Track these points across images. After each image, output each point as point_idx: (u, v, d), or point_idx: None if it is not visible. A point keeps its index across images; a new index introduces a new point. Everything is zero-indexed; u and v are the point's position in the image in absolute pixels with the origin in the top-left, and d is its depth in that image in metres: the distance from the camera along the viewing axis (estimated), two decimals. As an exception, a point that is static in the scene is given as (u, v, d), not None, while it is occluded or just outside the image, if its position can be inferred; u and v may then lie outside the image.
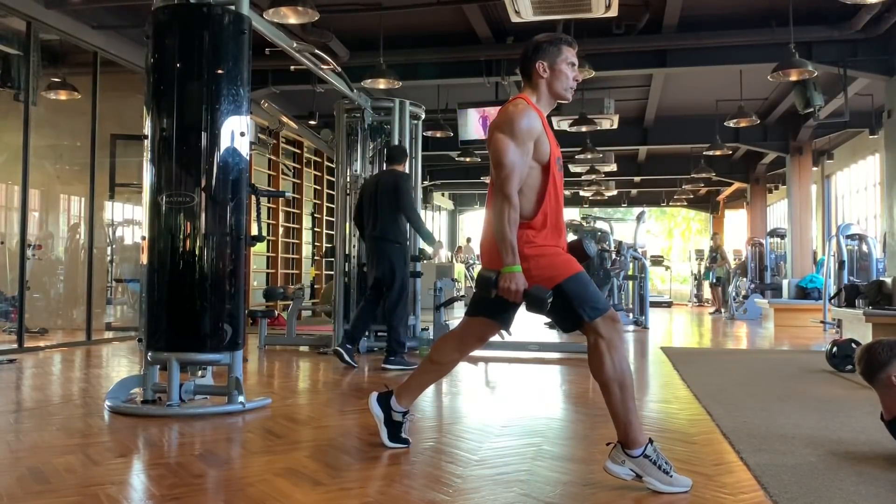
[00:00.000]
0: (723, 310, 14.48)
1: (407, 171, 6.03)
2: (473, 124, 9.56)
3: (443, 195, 20.61)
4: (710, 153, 11.64)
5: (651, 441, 2.46)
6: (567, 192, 19.87)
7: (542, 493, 2.39)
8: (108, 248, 9.17)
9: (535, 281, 2.47)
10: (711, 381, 4.92)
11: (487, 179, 2.79)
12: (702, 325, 11.76)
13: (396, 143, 6.71)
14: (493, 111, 9.39)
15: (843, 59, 8.12)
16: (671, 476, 2.41)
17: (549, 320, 2.68)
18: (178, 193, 3.74)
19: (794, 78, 7.24)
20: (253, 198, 4.07)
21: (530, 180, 2.53)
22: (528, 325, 10.62)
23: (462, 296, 13.29)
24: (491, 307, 2.69)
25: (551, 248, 2.54)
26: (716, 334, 9.94)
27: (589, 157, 12.12)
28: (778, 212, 17.57)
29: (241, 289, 3.91)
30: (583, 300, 2.47)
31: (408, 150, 6.39)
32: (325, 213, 13.34)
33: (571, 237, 12.68)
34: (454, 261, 18.13)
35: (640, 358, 6.76)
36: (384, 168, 6.23)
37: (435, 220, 21.09)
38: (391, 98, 6.92)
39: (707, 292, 16.49)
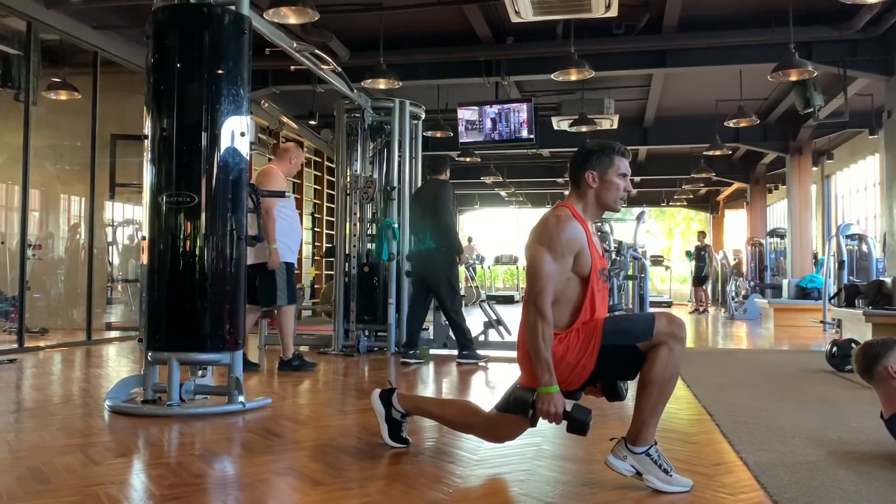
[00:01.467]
0: (722, 310, 14.49)
1: (448, 178, 6.33)
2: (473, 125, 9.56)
3: (443, 195, 20.57)
4: (710, 153, 11.64)
5: (656, 443, 2.45)
6: (567, 193, 19.85)
7: (542, 493, 2.39)
8: (109, 248, 9.16)
9: (576, 366, 2.40)
10: (711, 381, 4.92)
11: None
12: (701, 325, 11.76)
13: (397, 144, 6.72)
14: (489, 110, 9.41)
15: (843, 59, 8.12)
16: (671, 476, 2.40)
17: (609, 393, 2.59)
18: (178, 193, 3.73)
19: (794, 78, 7.24)
20: (253, 198, 4.07)
21: (568, 292, 2.45)
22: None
23: (462, 296, 13.31)
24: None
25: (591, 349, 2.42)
26: (716, 334, 9.95)
27: (589, 157, 12.10)
28: (778, 212, 17.57)
29: (241, 289, 3.91)
30: (627, 342, 2.38)
31: (447, 159, 6.63)
32: (325, 213, 13.33)
33: None
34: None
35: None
36: (427, 178, 6.49)
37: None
38: (391, 98, 6.92)
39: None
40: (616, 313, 2.54)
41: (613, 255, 10.82)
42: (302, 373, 5.32)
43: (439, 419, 2.97)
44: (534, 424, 2.53)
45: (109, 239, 9.10)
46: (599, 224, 13.05)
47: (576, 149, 2.68)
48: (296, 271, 12.23)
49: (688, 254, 15.97)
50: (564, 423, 2.43)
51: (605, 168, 2.53)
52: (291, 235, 5.48)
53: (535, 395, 2.40)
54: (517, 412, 2.48)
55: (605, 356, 2.40)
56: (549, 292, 2.39)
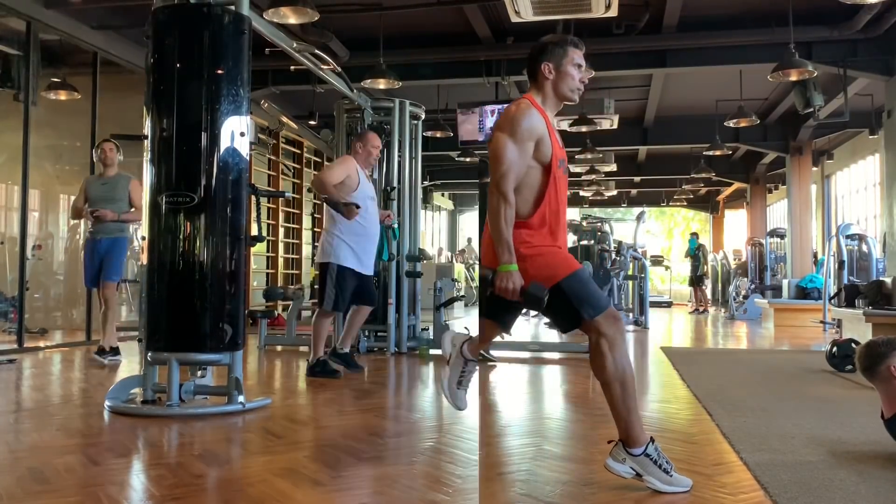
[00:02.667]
0: (722, 310, 14.49)
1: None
2: (473, 125, 9.55)
3: (443, 195, 20.62)
4: (710, 153, 11.64)
5: (652, 440, 2.46)
6: (567, 193, 19.85)
7: (542, 493, 2.39)
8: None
9: (542, 274, 2.45)
10: (711, 381, 4.92)
11: (489, 180, 2.77)
12: (701, 325, 11.76)
13: (397, 144, 6.72)
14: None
15: (843, 59, 8.12)
16: (671, 476, 2.41)
17: (549, 320, 2.66)
18: (178, 193, 3.73)
19: (794, 78, 7.24)
20: (253, 198, 4.07)
21: (530, 180, 2.51)
22: (527, 324, 10.63)
23: (462, 296, 13.31)
24: (493, 309, 2.69)
25: (548, 248, 2.51)
26: (715, 334, 9.95)
27: (589, 157, 12.12)
28: (778, 212, 17.56)
29: (241, 289, 3.90)
30: (582, 299, 2.44)
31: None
32: (325, 214, 13.32)
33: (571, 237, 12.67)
34: (454, 261, 18.14)
35: (640, 358, 6.76)
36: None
37: (435, 221, 21.11)
38: (391, 98, 6.92)
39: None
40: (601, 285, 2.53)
41: (613, 255, 10.81)
42: (323, 378, 4.95)
43: None
44: (500, 308, 2.59)
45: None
46: (600, 224, 13.08)
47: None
48: (296, 271, 12.13)
49: (691, 245, 15.90)
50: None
51: (560, 59, 2.58)
52: (360, 237, 5.02)
53: (494, 273, 2.45)
54: (530, 306, 2.52)
55: (553, 295, 2.43)
56: (511, 176, 2.45)
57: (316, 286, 13.07)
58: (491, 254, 2.54)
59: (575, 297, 2.45)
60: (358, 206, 4.82)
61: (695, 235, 16.62)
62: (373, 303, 5.30)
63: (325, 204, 5.07)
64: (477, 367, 2.79)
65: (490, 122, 9.30)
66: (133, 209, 5.75)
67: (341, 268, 4.93)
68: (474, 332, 2.97)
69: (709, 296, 15.80)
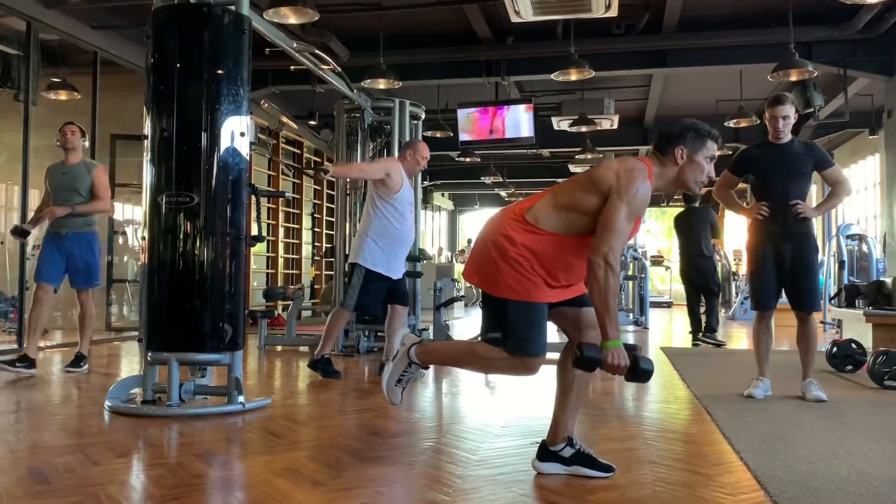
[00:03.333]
0: (723, 310, 14.46)
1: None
2: (472, 125, 9.57)
3: (443, 195, 20.61)
4: (710, 153, 11.63)
5: (427, 367, 2.69)
6: None
7: (542, 494, 2.39)
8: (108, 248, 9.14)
9: (502, 282, 2.42)
10: (711, 381, 4.92)
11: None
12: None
13: (397, 144, 6.71)
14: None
15: (843, 59, 8.12)
16: (396, 386, 2.77)
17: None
18: (178, 193, 3.73)
19: (794, 78, 7.24)
20: (253, 198, 4.07)
21: (589, 224, 2.40)
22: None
23: (462, 296, 13.30)
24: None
25: (535, 274, 2.42)
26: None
27: (589, 157, 12.11)
28: (778, 212, 17.51)
29: (241, 289, 3.91)
30: (515, 330, 2.42)
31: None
32: (325, 213, 13.34)
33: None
34: (454, 261, 18.13)
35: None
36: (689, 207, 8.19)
37: (435, 221, 21.10)
38: (391, 98, 6.92)
39: None
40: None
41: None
42: (323, 378, 4.98)
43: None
44: (591, 370, 2.44)
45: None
46: None
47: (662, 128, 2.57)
48: (296, 271, 12.12)
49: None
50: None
51: (697, 148, 2.50)
52: (393, 240, 4.95)
53: (602, 351, 2.34)
54: (585, 369, 2.42)
55: (499, 304, 2.44)
56: (619, 249, 2.36)
57: (316, 286, 13.10)
58: (474, 265, 2.53)
59: (512, 325, 2.43)
60: (326, 172, 4.95)
61: None
62: (406, 303, 5.27)
63: (365, 204, 5.09)
64: (421, 372, 2.78)
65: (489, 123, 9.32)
66: (96, 199, 5.17)
67: (369, 271, 4.90)
68: (428, 335, 2.97)
69: None
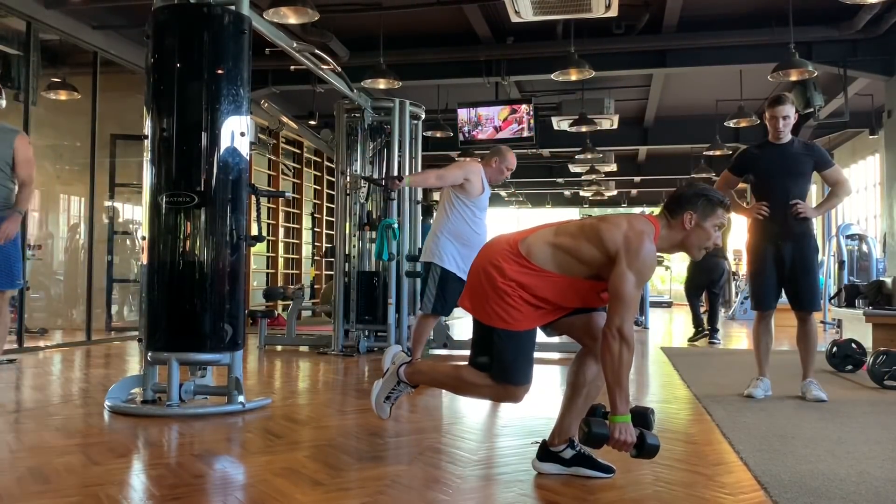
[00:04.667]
0: (723, 310, 14.46)
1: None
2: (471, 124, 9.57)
3: (443, 195, 20.57)
4: (710, 153, 11.63)
5: (416, 386, 2.78)
6: (567, 193, 19.87)
7: (542, 494, 2.39)
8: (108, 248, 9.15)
9: (490, 310, 2.44)
10: (711, 381, 4.92)
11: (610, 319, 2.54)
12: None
13: (397, 144, 6.72)
14: (487, 111, 9.42)
15: (843, 59, 8.12)
16: (385, 403, 2.80)
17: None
18: (178, 193, 3.73)
19: (794, 78, 7.24)
20: (253, 198, 4.07)
21: (583, 271, 2.43)
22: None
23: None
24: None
25: (524, 306, 2.43)
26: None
27: (589, 157, 12.12)
28: (778, 212, 17.50)
29: (241, 289, 3.90)
30: (500, 358, 2.45)
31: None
32: (325, 213, 13.33)
33: None
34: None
35: (640, 358, 6.75)
36: None
37: (433, 221, 21.04)
38: (391, 98, 6.92)
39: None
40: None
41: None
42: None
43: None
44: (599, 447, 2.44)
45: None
46: None
47: (679, 190, 2.59)
48: (296, 271, 12.12)
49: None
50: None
51: (707, 215, 2.50)
52: (468, 241, 4.82)
53: (608, 426, 2.33)
54: (592, 446, 2.41)
55: (486, 330, 2.47)
56: (632, 320, 2.37)
57: (316, 286, 13.11)
58: (467, 291, 2.57)
59: (498, 353, 2.45)
60: (400, 179, 4.82)
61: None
62: None
63: (440, 202, 5.03)
64: (408, 390, 2.81)
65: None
66: (23, 184, 4.30)
67: (445, 271, 4.82)
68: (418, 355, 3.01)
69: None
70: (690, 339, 8.05)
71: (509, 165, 4.96)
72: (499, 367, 2.46)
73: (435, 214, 5.09)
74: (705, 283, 8.09)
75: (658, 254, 2.50)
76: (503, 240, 2.56)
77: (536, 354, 6.83)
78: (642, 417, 2.39)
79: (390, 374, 2.77)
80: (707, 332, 8.06)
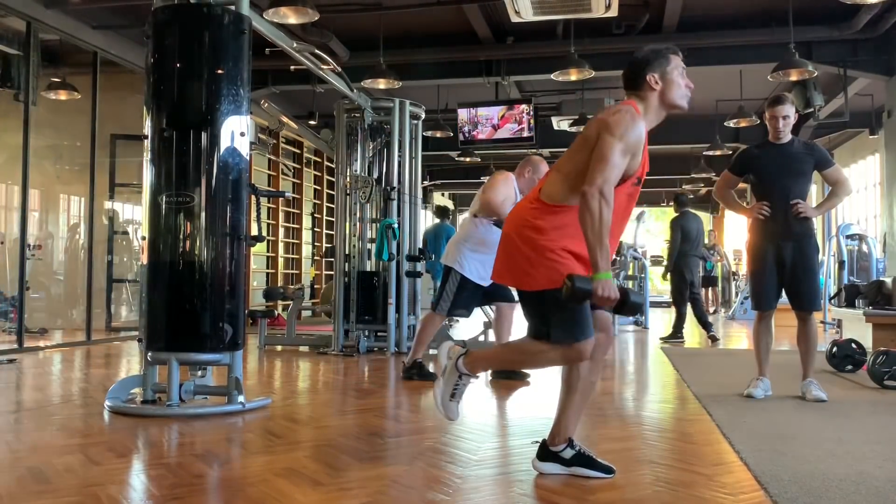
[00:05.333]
0: (722, 310, 14.47)
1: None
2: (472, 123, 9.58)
3: (443, 195, 20.60)
4: (710, 153, 11.64)
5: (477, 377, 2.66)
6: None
7: (542, 494, 2.39)
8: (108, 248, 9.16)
9: (537, 274, 2.42)
10: (711, 381, 4.92)
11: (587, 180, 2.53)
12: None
13: (397, 144, 6.71)
14: (487, 112, 9.43)
15: (843, 59, 8.12)
16: (451, 402, 2.67)
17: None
18: (178, 193, 3.73)
19: (794, 78, 7.24)
20: (253, 198, 4.07)
21: None
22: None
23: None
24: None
25: (564, 253, 2.42)
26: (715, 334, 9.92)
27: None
28: (778, 212, 17.47)
29: (241, 289, 3.90)
30: (562, 319, 2.41)
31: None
32: (325, 213, 13.33)
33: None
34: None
35: (640, 358, 6.76)
36: None
37: (435, 221, 21.07)
38: (391, 98, 6.92)
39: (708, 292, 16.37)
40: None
41: (614, 256, 10.79)
42: (419, 380, 4.85)
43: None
44: (580, 301, 2.40)
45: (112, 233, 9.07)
46: None
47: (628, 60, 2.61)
48: (296, 271, 12.11)
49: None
50: None
51: (665, 66, 2.52)
52: (489, 248, 4.69)
53: (591, 282, 2.32)
54: (576, 301, 2.38)
55: (536, 297, 2.43)
56: (613, 182, 2.37)
57: (316, 286, 13.09)
58: (504, 265, 2.52)
59: (553, 316, 2.43)
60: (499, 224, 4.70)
61: (711, 233, 16.56)
62: (512, 300, 5.12)
63: (469, 211, 5.03)
64: (471, 381, 2.74)
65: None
66: None
67: (465, 278, 4.86)
68: (477, 344, 2.88)
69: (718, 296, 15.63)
70: (664, 338, 8.16)
71: (541, 176, 4.96)
72: (560, 329, 2.42)
73: (461, 221, 5.11)
74: (691, 280, 8.25)
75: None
76: (524, 203, 2.58)
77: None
78: (622, 291, 2.38)
79: (450, 371, 2.68)
80: (712, 312, 8.27)
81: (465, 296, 4.89)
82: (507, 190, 4.85)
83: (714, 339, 7.99)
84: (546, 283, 2.42)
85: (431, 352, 6.46)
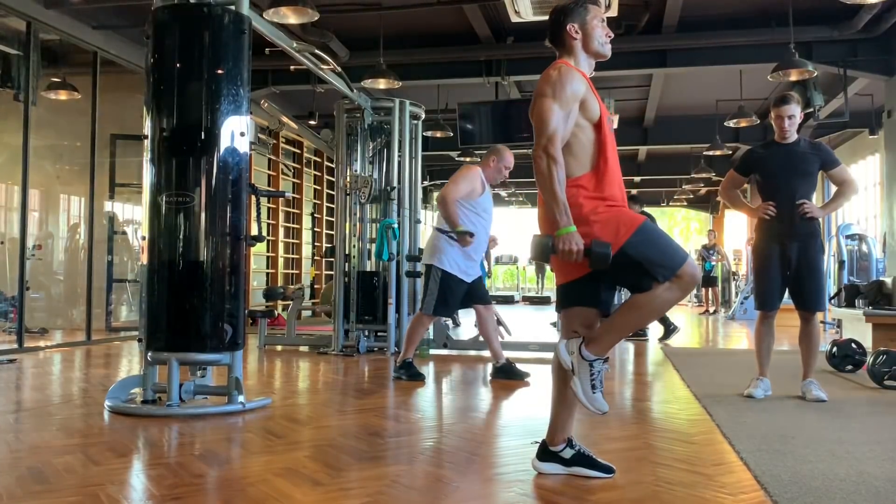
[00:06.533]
0: (722, 310, 14.47)
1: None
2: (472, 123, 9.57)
3: (443, 195, 20.60)
4: (710, 153, 11.64)
5: (607, 360, 2.48)
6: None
7: (542, 494, 2.39)
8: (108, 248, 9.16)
9: (607, 238, 2.39)
10: (711, 381, 4.92)
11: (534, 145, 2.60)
12: (701, 325, 11.76)
13: (397, 144, 6.71)
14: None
15: (843, 59, 8.12)
16: (595, 393, 2.45)
17: (555, 320, 2.63)
18: (178, 193, 3.73)
19: (794, 78, 7.24)
20: (253, 198, 4.07)
21: (583, 140, 2.49)
22: (528, 325, 10.63)
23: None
24: (581, 293, 2.57)
25: (609, 207, 2.45)
26: (716, 334, 9.94)
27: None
28: (778, 212, 17.45)
29: (241, 289, 3.91)
30: (653, 260, 2.38)
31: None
32: (325, 213, 13.34)
33: None
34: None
35: (640, 358, 6.75)
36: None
37: (435, 221, 21.08)
38: (391, 98, 6.92)
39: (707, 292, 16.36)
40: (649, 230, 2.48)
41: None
42: (407, 381, 4.86)
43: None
44: (544, 260, 2.46)
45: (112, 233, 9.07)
46: None
47: None
48: (296, 271, 12.10)
49: (696, 252, 15.81)
50: None
51: (584, 17, 2.58)
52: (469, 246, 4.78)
53: (553, 238, 2.37)
54: (539, 259, 2.45)
55: (619, 257, 2.37)
56: (558, 138, 2.41)
57: (316, 286, 13.09)
58: (550, 224, 2.45)
59: (645, 259, 2.39)
60: (472, 235, 4.70)
61: (711, 233, 16.56)
62: (488, 301, 5.16)
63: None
64: (606, 365, 2.55)
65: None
66: None
67: (446, 273, 4.85)
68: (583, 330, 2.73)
69: (719, 296, 15.61)
70: (661, 339, 8.13)
71: (507, 164, 4.98)
72: (661, 267, 2.38)
73: (436, 217, 5.10)
74: (705, 276, 8.18)
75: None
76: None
77: (537, 355, 6.85)
78: (599, 245, 2.37)
79: (578, 363, 2.54)
80: (712, 311, 8.09)
81: (450, 292, 4.86)
82: (468, 185, 4.82)
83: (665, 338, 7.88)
84: (621, 235, 2.39)
85: (437, 351, 6.47)
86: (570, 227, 2.36)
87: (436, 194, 19.60)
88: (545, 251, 2.40)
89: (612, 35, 2.65)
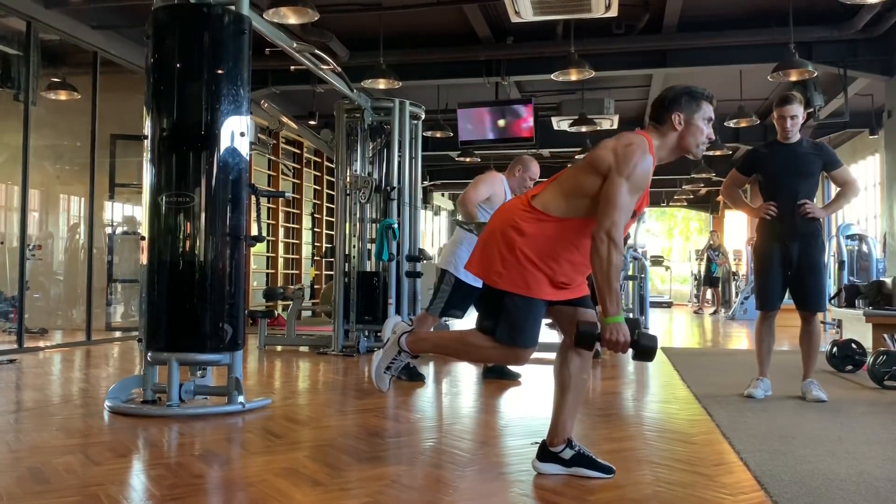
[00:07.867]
0: (722, 310, 14.47)
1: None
2: (472, 124, 9.58)
3: (443, 195, 20.60)
4: (710, 153, 11.63)
5: (416, 356, 2.66)
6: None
7: (542, 494, 2.39)
8: (107, 248, 9.16)
9: (505, 275, 2.43)
10: (711, 381, 4.92)
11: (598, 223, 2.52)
12: (702, 325, 11.76)
13: (397, 144, 6.71)
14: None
15: (843, 59, 8.12)
16: (385, 374, 2.69)
17: (550, 320, 2.65)
18: (178, 193, 3.73)
19: (794, 78, 7.23)
20: (253, 198, 4.07)
21: (591, 207, 2.42)
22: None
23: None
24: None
25: (535, 267, 2.43)
26: (716, 334, 9.94)
27: (589, 157, 12.09)
28: (778, 212, 17.45)
29: (241, 289, 3.90)
30: (508, 321, 2.45)
31: None
32: (325, 213, 13.33)
33: None
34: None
35: (640, 358, 6.75)
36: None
37: (435, 221, 21.09)
38: (391, 98, 6.92)
39: (707, 292, 16.35)
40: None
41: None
42: (408, 382, 4.85)
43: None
44: (590, 347, 2.48)
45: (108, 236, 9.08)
46: None
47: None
48: (296, 271, 12.10)
49: (698, 252, 15.78)
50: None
51: (693, 112, 2.51)
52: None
53: (600, 327, 2.34)
54: (583, 346, 2.42)
55: (496, 293, 2.45)
56: (623, 223, 2.36)
57: (316, 286, 13.08)
58: (477, 255, 2.54)
59: (506, 315, 2.46)
60: (479, 226, 4.68)
61: (714, 234, 16.54)
62: None
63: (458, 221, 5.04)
64: (408, 360, 2.77)
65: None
66: None
67: (459, 280, 4.87)
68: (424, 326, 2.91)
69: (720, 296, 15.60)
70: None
71: (532, 175, 5.00)
72: (507, 331, 2.46)
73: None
74: (707, 276, 8.33)
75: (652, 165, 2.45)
76: (517, 202, 2.58)
77: (538, 355, 6.84)
78: (633, 323, 2.37)
79: (391, 344, 2.72)
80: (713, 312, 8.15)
81: (460, 297, 4.89)
82: (489, 189, 4.85)
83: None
84: (510, 286, 2.44)
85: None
86: (618, 317, 2.33)
87: (437, 194, 19.63)
88: (592, 341, 2.37)
89: (713, 138, 2.61)
